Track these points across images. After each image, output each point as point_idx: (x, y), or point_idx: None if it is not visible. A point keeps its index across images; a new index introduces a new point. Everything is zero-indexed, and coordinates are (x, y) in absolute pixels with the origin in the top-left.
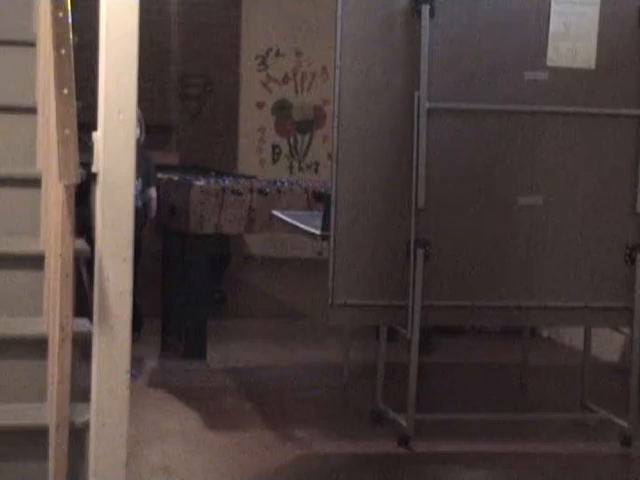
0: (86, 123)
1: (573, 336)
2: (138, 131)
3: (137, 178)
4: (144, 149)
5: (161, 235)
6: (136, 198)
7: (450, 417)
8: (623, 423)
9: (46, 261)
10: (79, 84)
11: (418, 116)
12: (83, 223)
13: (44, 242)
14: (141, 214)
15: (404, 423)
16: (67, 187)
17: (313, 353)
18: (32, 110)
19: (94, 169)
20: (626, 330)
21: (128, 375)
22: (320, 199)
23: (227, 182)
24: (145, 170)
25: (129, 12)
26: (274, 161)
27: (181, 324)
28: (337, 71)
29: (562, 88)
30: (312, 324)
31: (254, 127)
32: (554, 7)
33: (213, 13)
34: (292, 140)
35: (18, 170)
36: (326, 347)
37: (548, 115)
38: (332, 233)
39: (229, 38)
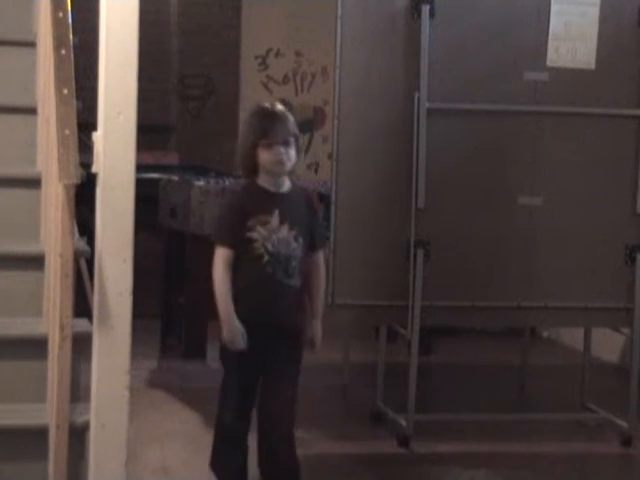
0: (86, 123)
1: (573, 336)
2: (282, 149)
3: (292, 229)
4: (302, 190)
5: (161, 235)
6: (292, 274)
7: (450, 417)
8: (623, 423)
9: (46, 261)
10: (79, 84)
11: (418, 116)
12: (83, 223)
13: (44, 242)
14: (300, 294)
15: (404, 423)
16: (67, 187)
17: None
18: (32, 110)
19: (94, 169)
20: (626, 330)
21: (128, 375)
22: (320, 199)
23: (227, 182)
24: (307, 221)
25: (129, 12)
26: None
27: (181, 324)
28: (337, 71)
29: (562, 88)
30: None
31: None
32: (554, 7)
33: (213, 13)
34: None
35: (18, 170)
36: (326, 347)
37: (548, 115)
38: (332, 233)
39: (229, 38)
